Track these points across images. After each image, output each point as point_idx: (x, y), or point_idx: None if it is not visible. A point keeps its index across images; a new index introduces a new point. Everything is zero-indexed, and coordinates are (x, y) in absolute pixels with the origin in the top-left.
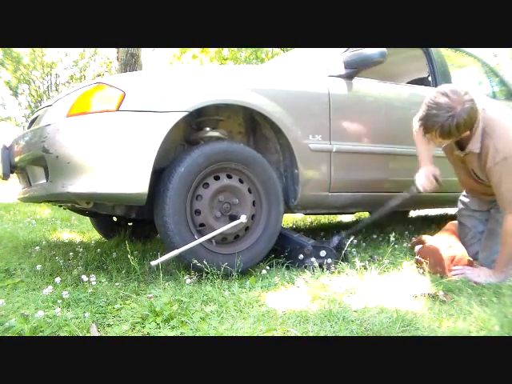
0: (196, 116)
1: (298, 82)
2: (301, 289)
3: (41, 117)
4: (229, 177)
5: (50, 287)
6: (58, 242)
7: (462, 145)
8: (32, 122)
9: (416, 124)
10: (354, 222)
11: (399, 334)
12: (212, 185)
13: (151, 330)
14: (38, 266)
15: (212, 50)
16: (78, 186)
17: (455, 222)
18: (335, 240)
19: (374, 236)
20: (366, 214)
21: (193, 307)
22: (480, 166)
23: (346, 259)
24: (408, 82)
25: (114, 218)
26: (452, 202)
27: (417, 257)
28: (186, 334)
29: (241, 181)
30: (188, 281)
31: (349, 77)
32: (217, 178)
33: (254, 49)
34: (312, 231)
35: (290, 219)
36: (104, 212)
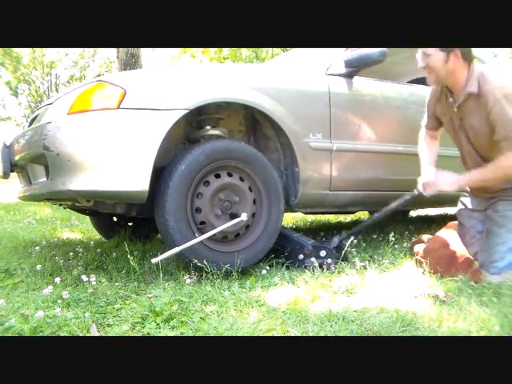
0: (196, 114)
1: (299, 81)
2: (301, 289)
3: (41, 115)
4: (229, 175)
5: (50, 287)
6: (58, 241)
7: (457, 94)
8: (32, 120)
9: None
10: (354, 222)
11: (399, 334)
12: (213, 183)
13: (151, 329)
14: (38, 266)
15: (212, 51)
16: (78, 183)
17: (456, 222)
18: (336, 240)
19: (374, 236)
20: (366, 214)
21: (193, 307)
22: (480, 114)
23: (346, 259)
24: (408, 82)
25: (114, 218)
26: (452, 202)
27: (417, 257)
28: (186, 334)
29: (241, 179)
30: (188, 281)
31: (349, 76)
32: (217, 176)
33: (254, 49)
34: (312, 231)
35: (290, 219)
36: (104, 210)
